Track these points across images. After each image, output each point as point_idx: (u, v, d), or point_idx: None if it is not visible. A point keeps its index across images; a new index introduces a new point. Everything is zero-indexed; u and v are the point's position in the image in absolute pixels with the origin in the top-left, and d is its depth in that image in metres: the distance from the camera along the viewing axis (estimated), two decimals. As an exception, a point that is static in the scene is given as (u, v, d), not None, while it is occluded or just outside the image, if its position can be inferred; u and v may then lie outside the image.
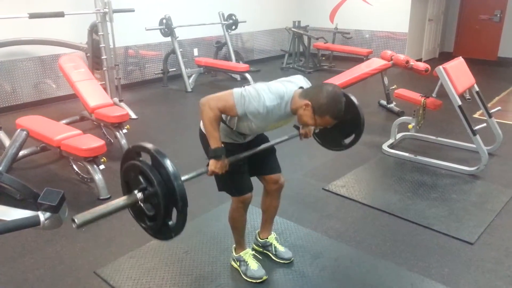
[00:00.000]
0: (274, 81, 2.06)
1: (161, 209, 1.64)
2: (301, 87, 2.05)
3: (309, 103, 1.92)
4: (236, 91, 1.96)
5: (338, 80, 5.20)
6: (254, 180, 2.33)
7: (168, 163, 1.62)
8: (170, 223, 1.68)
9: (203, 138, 2.26)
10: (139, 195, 1.67)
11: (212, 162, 1.99)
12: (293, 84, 2.04)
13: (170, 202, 1.64)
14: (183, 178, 1.79)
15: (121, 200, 1.67)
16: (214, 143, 1.97)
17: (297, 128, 2.46)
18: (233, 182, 2.24)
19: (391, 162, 4.06)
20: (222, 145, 1.99)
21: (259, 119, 1.96)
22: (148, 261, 2.57)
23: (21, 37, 5.37)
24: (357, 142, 2.58)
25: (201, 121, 2.24)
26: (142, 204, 1.69)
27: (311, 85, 2.09)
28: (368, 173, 3.89)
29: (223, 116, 2.11)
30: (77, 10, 5.33)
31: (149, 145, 1.68)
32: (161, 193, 1.62)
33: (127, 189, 1.78)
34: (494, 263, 2.55)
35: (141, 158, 1.74)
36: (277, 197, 2.47)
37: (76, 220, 1.46)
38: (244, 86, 2.16)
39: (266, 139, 2.34)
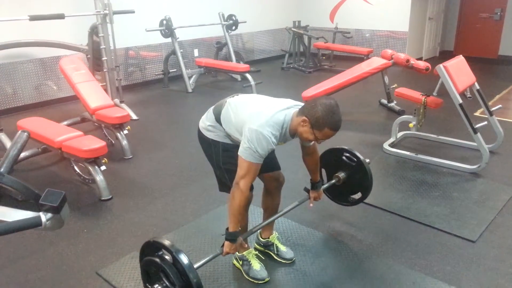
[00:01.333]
0: (269, 108, 2.04)
1: None
2: (296, 105, 2.08)
3: (306, 118, 1.94)
4: (243, 152, 1.97)
5: (339, 79, 5.20)
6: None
7: (184, 260, 1.81)
8: None
9: (203, 140, 2.27)
10: None
11: (227, 244, 2.09)
12: (290, 109, 2.05)
13: None
14: (198, 264, 2.01)
15: None
16: (233, 228, 2.07)
17: (307, 191, 2.57)
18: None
19: (392, 161, 4.05)
20: (239, 229, 2.11)
21: (267, 151, 2.01)
22: (150, 262, 2.57)
23: (22, 39, 5.38)
24: (363, 200, 2.84)
25: (200, 120, 2.25)
26: None
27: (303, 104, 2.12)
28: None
29: (226, 136, 2.17)
30: (78, 12, 5.35)
31: (168, 243, 1.87)
32: None
33: (147, 280, 2.00)
34: (496, 261, 2.54)
35: (161, 254, 1.91)
36: (277, 195, 2.48)
37: None
38: (233, 96, 2.20)
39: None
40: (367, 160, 2.74)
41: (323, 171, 2.84)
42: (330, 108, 1.92)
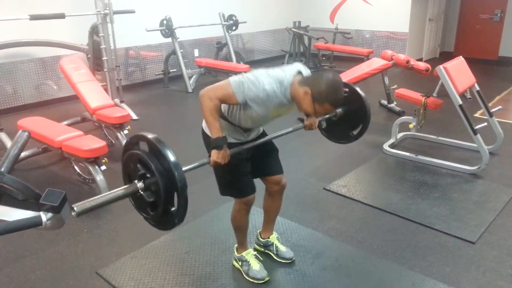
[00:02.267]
0: (274, 68, 2.05)
1: (161, 195, 1.60)
2: (300, 72, 2.02)
3: (309, 90, 1.91)
4: (234, 79, 1.95)
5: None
6: (256, 179, 2.33)
7: (164, 148, 1.61)
8: (172, 209, 1.65)
9: (206, 138, 2.26)
10: (139, 184, 1.66)
11: (214, 152, 1.97)
12: (292, 70, 2.02)
13: (170, 187, 1.61)
14: (184, 168, 1.79)
15: (121, 189, 1.65)
16: (215, 133, 1.95)
17: (301, 120, 2.42)
18: (236, 184, 2.24)
19: (392, 162, 4.06)
20: (223, 134, 1.97)
21: (259, 105, 1.94)
22: (150, 262, 2.58)
23: (22, 38, 5.38)
24: (365, 132, 2.59)
25: (203, 120, 2.24)
26: (142, 193, 1.67)
27: (309, 72, 2.08)
28: (369, 172, 3.89)
29: (225, 111, 2.11)
30: (78, 11, 5.35)
31: (146, 133, 1.69)
32: (159, 178, 1.59)
33: (129, 180, 1.76)
34: (496, 262, 2.54)
35: (140, 149, 1.72)
36: (279, 198, 2.47)
37: (75, 208, 1.45)
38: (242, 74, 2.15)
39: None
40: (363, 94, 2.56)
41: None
42: (335, 84, 1.91)
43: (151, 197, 1.66)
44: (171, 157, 1.61)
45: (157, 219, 1.73)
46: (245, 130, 2.18)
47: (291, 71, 2.01)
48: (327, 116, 2.50)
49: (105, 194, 1.60)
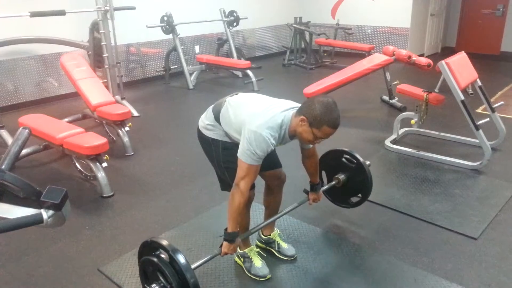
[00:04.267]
0: (269, 108, 2.04)
1: None
2: (292, 108, 2.06)
3: (304, 117, 1.93)
4: (242, 154, 1.97)
5: (340, 76, 5.19)
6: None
7: (181, 260, 1.82)
8: None
9: (203, 139, 2.26)
10: None
11: (225, 244, 2.08)
12: (289, 111, 2.04)
13: None
14: (196, 264, 2.02)
15: None
16: (232, 228, 2.06)
17: (306, 192, 2.57)
18: None
19: (393, 158, 4.05)
20: (238, 229, 2.09)
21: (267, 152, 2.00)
22: (152, 258, 2.58)
23: (23, 35, 5.37)
24: (363, 202, 2.83)
25: (203, 129, 2.23)
26: None
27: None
28: (371, 169, 3.84)
29: (223, 134, 2.16)
30: (78, 8, 5.33)
31: (165, 243, 1.88)
32: (174, 284, 1.81)
33: (146, 281, 1.99)
34: (498, 258, 2.54)
35: (158, 253, 1.92)
36: (279, 192, 2.47)
37: None
38: (233, 95, 2.19)
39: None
40: (367, 162, 2.72)
41: (323, 173, 2.84)
42: (328, 105, 1.91)
43: None
44: (184, 263, 1.83)
45: None
46: None
47: (289, 112, 2.03)
48: (331, 184, 2.75)
49: None
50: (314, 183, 2.52)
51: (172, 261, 1.84)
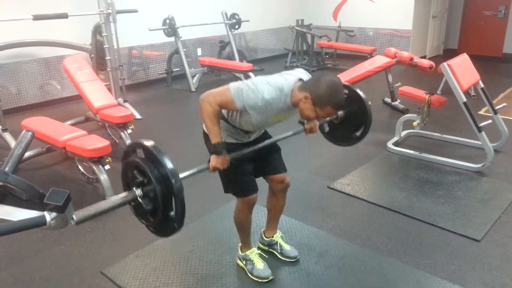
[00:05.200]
0: (274, 74, 2.04)
1: (159, 201, 1.61)
2: (300, 79, 2.02)
3: (309, 95, 1.90)
4: (234, 85, 1.95)
5: (342, 78, 5.19)
6: (259, 178, 2.32)
7: (160, 154, 1.61)
8: (171, 213, 1.65)
9: (207, 138, 2.26)
10: (137, 191, 1.67)
11: (213, 157, 1.98)
12: (292, 77, 2.01)
13: (167, 192, 1.62)
14: (184, 174, 1.82)
15: (119, 197, 1.66)
16: (215, 139, 1.96)
17: (302, 123, 2.41)
18: (238, 183, 2.24)
19: (396, 160, 4.04)
20: (223, 140, 1.98)
21: (258, 112, 1.94)
22: (154, 261, 2.58)
23: (26, 39, 5.39)
24: (367, 133, 2.56)
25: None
26: (141, 200, 1.67)
27: (311, 77, 2.07)
28: (373, 171, 3.88)
29: (225, 113, 2.11)
30: (81, 11, 5.35)
31: (143, 140, 1.68)
32: (156, 183, 1.60)
33: (128, 188, 1.78)
34: (501, 260, 2.53)
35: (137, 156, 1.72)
36: (283, 196, 2.46)
37: (74, 217, 1.44)
38: (243, 80, 2.15)
39: (270, 138, 2.33)
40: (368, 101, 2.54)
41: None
42: (334, 86, 1.89)
43: (150, 204, 1.66)
44: (167, 163, 1.62)
45: (157, 226, 1.74)
46: (246, 132, 2.17)
47: (292, 77, 2.01)
48: (329, 119, 2.50)
49: (104, 202, 1.61)
50: None
51: (154, 161, 1.63)
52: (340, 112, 2.50)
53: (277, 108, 1.96)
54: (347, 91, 2.45)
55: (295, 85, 1.97)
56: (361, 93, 2.50)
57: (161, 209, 1.63)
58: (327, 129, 2.68)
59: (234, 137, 2.18)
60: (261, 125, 2.12)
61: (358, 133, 2.59)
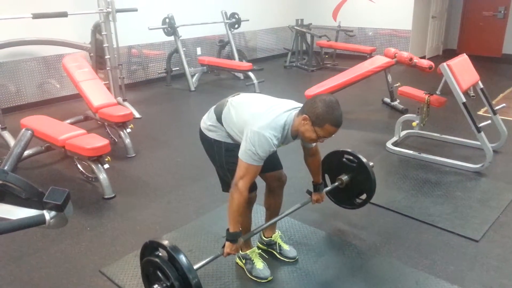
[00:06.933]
0: (273, 109, 2.04)
1: None
2: (295, 108, 2.06)
3: (307, 116, 1.93)
4: (243, 154, 1.97)
5: (341, 78, 5.20)
6: (258, 178, 2.32)
7: (182, 259, 1.80)
8: None
9: (205, 140, 2.27)
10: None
11: (228, 244, 2.07)
12: (291, 111, 2.04)
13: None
14: (199, 264, 2.05)
15: None
16: (234, 228, 2.06)
17: (309, 193, 2.57)
18: None
19: (395, 160, 4.05)
20: (240, 229, 2.10)
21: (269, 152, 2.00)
22: (153, 260, 2.58)
23: (25, 37, 5.39)
24: (368, 201, 2.80)
25: (205, 130, 2.24)
26: None
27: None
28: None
29: (226, 132, 2.16)
30: (81, 10, 5.35)
31: (165, 242, 1.86)
32: (176, 284, 1.79)
33: (148, 283, 1.99)
34: (499, 260, 2.54)
35: (158, 253, 1.91)
36: (280, 194, 2.47)
37: None
38: (234, 96, 2.20)
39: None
40: (371, 164, 2.71)
41: (326, 177, 2.85)
42: (330, 104, 1.91)
43: None
44: (186, 262, 1.80)
45: None
46: None
47: (291, 111, 2.03)
48: (335, 185, 2.74)
49: None
50: (317, 183, 2.52)
51: (174, 261, 1.82)
52: (345, 177, 2.71)
53: (283, 141, 2.07)
54: (350, 157, 2.72)
55: (294, 115, 2.02)
56: (365, 162, 2.68)
57: None
58: (333, 199, 2.93)
59: (232, 139, 2.19)
60: None
61: (359, 201, 2.83)
